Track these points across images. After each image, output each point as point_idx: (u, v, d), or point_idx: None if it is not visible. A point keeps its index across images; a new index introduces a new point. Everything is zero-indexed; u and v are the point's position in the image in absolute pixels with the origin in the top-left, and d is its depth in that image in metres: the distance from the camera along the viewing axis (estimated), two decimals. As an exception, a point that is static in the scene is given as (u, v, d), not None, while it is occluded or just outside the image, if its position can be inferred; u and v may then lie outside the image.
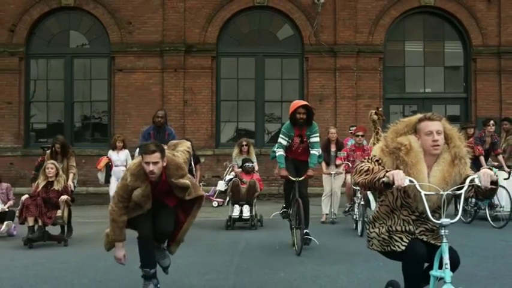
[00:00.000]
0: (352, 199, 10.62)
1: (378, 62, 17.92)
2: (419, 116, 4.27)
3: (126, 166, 13.49)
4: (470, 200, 10.75)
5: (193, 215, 5.71)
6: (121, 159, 13.43)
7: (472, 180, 3.96)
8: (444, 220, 3.91)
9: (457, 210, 9.20)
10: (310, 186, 9.48)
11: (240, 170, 11.82)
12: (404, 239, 4.15)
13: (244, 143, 12.47)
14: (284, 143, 8.45)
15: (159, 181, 5.31)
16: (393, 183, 3.84)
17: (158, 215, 5.53)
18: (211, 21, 17.71)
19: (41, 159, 11.62)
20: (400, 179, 3.84)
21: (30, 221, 9.18)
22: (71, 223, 9.79)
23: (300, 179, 8.36)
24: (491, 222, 10.50)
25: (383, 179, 3.90)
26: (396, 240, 4.18)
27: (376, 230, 4.32)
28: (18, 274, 6.99)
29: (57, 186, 9.47)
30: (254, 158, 12.49)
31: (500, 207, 10.76)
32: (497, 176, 4.01)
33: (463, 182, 4.03)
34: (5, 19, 17.70)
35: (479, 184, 3.93)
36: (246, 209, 10.84)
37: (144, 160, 5.19)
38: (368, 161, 4.21)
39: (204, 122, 17.59)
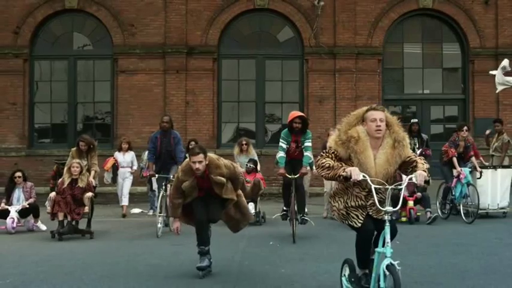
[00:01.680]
0: None
1: (377, 64, 18.16)
2: (365, 108, 5.28)
3: (131, 167, 13.89)
4: (448, 197, 11.83)
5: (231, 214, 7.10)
6: (127, 160, 13.87)
7: (411, 179, 5.04)
8: (388, 208, 4.95)
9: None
10: (310, 186, 9.99)
11: (243, 170, 12.11)
12: (360, 217, 5.14)
13: (243, 142, 12.93)
14: (284, 146, 9.57)
15: (204, 176, 6.70)
16: (351, 177, 4.89)
17: (209, 205, 6.89)
18: (213, 24, 17.96)
19: (53, 173, 12.62)
20: (356, 174, 4.91)
21: (60, 216, 10.07)
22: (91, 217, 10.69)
23: (295, 176, 9.45)
24: (463, 217, 11.35)
25: (342, 174, 4.95)
26: (353, 217, 5.18)
27: (336, 205, 5.30)
28: (29, 270, 7.25)
29: (81, 184, 10.35)
30: (255, 156, 12.91)
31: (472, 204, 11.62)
32: (429, 177, 5.03)
33: (404, 162, 5.14)
34: (10, 21, 17.93)
35: (415, 182, 5.00)
36: (251, 206, 11.09)
37: (191, 160, 6.65)
38: (326, 155, 5.16)
39: (205, 122, 17.83)
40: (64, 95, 18.35)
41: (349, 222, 5.21)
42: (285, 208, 9.96)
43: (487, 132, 14.61)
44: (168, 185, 10.41)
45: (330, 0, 17.90)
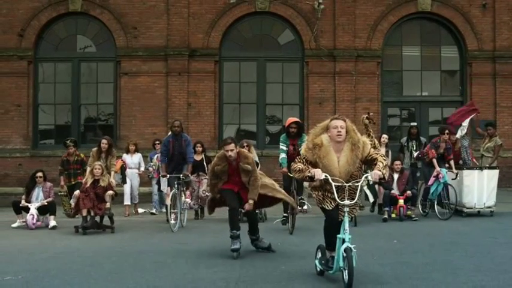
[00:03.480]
0: None
1: (376, 66, 18.44)
2: (329, 119, 6.43)
3: (139, 168, 14.29)
4: (444, 199, 12.36)
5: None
6: (134, 161, 14.34)
7: (367, 177, 6.29)
8: (346, 202, 6.12)
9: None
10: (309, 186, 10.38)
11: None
12: (332, 203, 6.29)
13: (244, 144, 13.09)
14: (285, 148, 10.92)
15: (235, 163, 8.24)
16: (314, 177, 6.10)
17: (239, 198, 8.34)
18: (215, 27, 18.24)
19: (65, 156, 13.47)
20: (318, 174, 6.12)
21: (84, 212, 10.95)
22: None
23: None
24: (438, 215, 12.12)
25: (308, 175, 6.16)
26: (326, 202, 6.34)
27: (316, 193, 6.45)
28: (39, 266, 7.52)
29: (103, 183, 11.30)
30: (256, 158, 13.17)
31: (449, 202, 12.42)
32: (384, 175, 6.19)
33: (367, 160, 6.32)
34: (14, 24, 18.23)
35: (371, 180, 6.29)
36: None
37: (224, 149, 8.22)
38: (299, 160, 6.37)
39: (207, 124, 18.11)
40: (68, 96, 18.63)
41: (323, 206, 6.38)
42: (284, 214, 10.73)
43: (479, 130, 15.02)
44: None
45: (330, 4, 18.20)
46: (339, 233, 6.14)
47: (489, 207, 12.65)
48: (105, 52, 18.50)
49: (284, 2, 18.28)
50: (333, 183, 6.10)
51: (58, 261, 7.93)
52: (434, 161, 12.45)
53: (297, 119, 11.46)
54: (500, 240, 9.31)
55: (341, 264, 5.99)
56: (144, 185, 15.52)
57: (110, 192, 11.27)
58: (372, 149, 6.37)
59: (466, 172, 12.70)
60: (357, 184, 6.21)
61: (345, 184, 6.15)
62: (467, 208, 12.58)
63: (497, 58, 18.39)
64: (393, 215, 12.10)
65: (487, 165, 13.62)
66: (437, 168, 12.35)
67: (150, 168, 14.27)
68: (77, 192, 11.41)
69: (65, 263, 7.82)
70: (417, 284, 6.17)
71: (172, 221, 10.99)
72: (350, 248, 5.90)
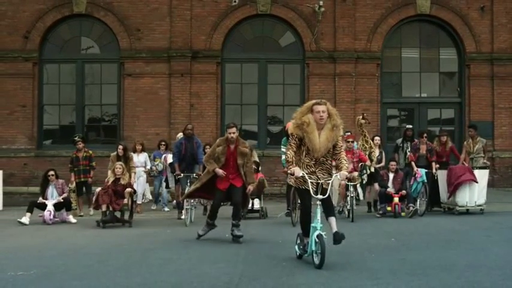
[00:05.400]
0: (345, 196, 12.48)
1: (376, 68, 18.73)
2: (313, 101, 7.46)
3: (145, 167, 14.88)
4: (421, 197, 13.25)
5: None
6: (141, 161, 14.87)
7: (335, 176, 7.44)
8: (319, 196, 7.18)
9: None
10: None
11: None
12: (309, 187, 7.18)
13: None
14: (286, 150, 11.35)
15: (233, 146, 9.48)
16: (293, 173, 7.16)
17: (232, 194, 9.51)
18: (217, 29, 18.54)
19: (74, 153, 14.44)
20: (297, 172, 7.18)
21: (104, 207, 11.90)
22: (133, 209, 12.58)
23: None
24: (418, 212, 12.92)
25: (289, 172, 7.28)
26: (307, 185, 7.22)
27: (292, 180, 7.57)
28: (49, 263, 7.81)
29: (123, 182, 12.30)
30: (257, 158, 13.64)
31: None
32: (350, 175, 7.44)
33: (334, 145, 7.32)
34: (20, 26, 18.54)
35: (339, 178, 7.49)
36: (256, 202, 12.74)
37: (227, 132, 9.52)
38: (293, 141, 7.34)
39: (209, 124, 18.40)
40: (72, 97, 18.95)
41: (306, 187, 7.25)
42: (288, 208, 11.22)
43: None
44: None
45: (330, 6, 18.49)
46: (312, 223, 7.21)
47: (480, 205, 13.24)
48: (109, 54, 18.81)
49: (285, 5, 18.58)
50: (309, 180, 7.16)
51: (67, 258, 8.21)
52: (413, 163, 13.53)
53: None
54: (495, 238, 9.59)
55: (313, 248, 7.09)
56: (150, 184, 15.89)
57: (129, 189, 12.23)
58: (340, 142, 7.43)
59: None
60: (328, 182, 7.32)
61: (319, 181, 7.24)
62: (459, 206, 13.18)
63: (495, 60, 18.68)
64: (388, 209, 12.84)
65: (479, 165, 14.23)
66: (415, 169, 13.32)
67: (154, 167, 14.75)
68: (97, 189, 12.44)
69: (74, 259, 8.10)
70: (412, 279, 6.44)
71: (184, 216, 12.02)
72: (321, 234, 6.96)
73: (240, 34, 19.00)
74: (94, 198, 12.38)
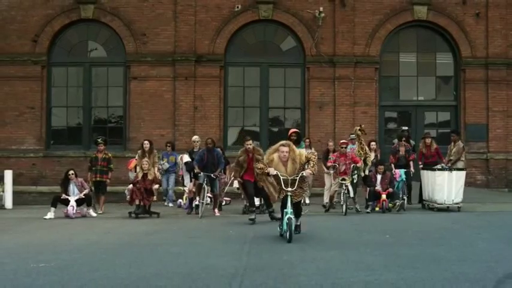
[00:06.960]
0: (333, 197, 14.23)
1: (374, 72, 19.29)
2: (279, 143, 9.61)
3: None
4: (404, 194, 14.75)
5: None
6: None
7: (302, 174, 9.50)
8: (288, 189, 9.38)
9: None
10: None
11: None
12: (282, 192, 9.54)
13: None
14: None
15: (251, 154, 12.54)
16: (269, 173, 9.47)
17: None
18: (220, 34, 19.10)
19: (94, 153, 15.40)
20: (271, 171, 9.44)
21: (137, 201, 13.61)
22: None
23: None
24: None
25: (266, 172, 9.52)
26: (282, 193, 9.57)
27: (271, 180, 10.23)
28: (67, 256, 8.38)
29: (150, 177, 13.93)
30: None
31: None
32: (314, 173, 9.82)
33: (303, 164, 9.52)
34: (29, 30, 19.10)
35: (304, 175, 9.56)
36: (257, 200, 13.43)
37: (245, 144, 12.80)
38: (263, 163, 9.71)
39: (212, 126, 18.96)
40: (79, 99, 19.49)
41: (280, 195, 9.67)
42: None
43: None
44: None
45: (330, 12, 19.03)
46: (285, 208, 9.36)
47: (457, 203, 14.22)
48: (115, 57, 19.36)
49: (286, 11, 19.14)
50: (281, 177, 9.42)
51: (83, 252, 8.79)
52: (392, 165, 15.15)
53: (297, 130, 14.55)
54: (484, 235, 10.16)
55: (285, 228, 9.32)
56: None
57: (156, 186, 13.99)
58: (308, 155, 9.69)
59: (438, 173, 14.33)
60: (296, 178, 9.41)
61: (288, 178, 9.42)
62: (438, 204, 14.20)
63: (490, 65, 19.23)
64: (377, 208, 14.29)
65: (457, 167, 15.20)
66: (393, 170, 14.79)
67: (160, 166, 15.55)
68: (130, 186, 13.94)
69: (88, 253, 8.67)
70: (403, 271, 7.01)
71: (198, 210, 13.53)
72: (291, 217, 9.22)
73: (243, 39, 19.55)
74: (128, 194, 13.81)
